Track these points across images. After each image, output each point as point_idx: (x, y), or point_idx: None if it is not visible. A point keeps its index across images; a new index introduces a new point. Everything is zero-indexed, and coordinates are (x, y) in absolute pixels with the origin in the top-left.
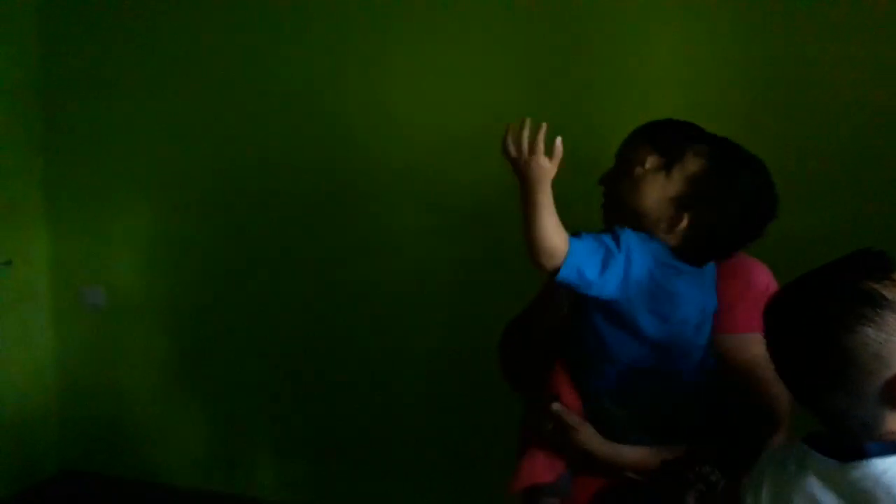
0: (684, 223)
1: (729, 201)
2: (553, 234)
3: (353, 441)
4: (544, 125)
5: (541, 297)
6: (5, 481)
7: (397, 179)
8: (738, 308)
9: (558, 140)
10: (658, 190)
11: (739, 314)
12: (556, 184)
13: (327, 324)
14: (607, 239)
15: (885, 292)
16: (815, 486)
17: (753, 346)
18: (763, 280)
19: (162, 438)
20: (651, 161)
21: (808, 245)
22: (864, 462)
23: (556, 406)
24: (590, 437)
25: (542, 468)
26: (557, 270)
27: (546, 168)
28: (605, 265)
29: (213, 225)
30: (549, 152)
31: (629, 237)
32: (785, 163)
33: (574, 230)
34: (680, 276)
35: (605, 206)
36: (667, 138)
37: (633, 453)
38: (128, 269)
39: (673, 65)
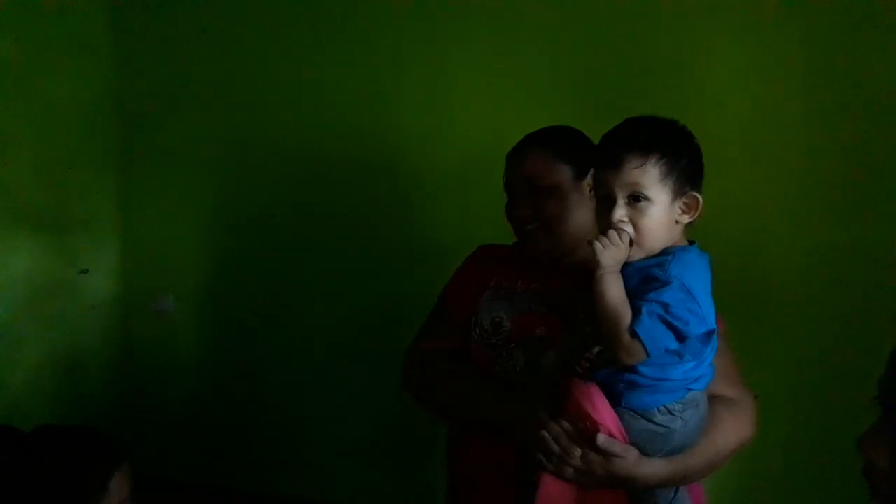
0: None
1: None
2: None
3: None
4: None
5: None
6: None
7: (454, 182)
8: None
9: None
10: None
11: None
12: None
13: (393, 329)
14: (658, 309)
15: None
16: None
17: None
18: None
19: (229, 442)
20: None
21: (870, 254)
22: None
23: (602, 438)
24: (635, 463)
25: None
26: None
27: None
28: (679, 328)
29: (278, 236)
30: None
31: (676, 292)
32: (848, 177)
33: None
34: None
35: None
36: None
37: (665, 468)
38: (196, 278)
39: (736, 82)
